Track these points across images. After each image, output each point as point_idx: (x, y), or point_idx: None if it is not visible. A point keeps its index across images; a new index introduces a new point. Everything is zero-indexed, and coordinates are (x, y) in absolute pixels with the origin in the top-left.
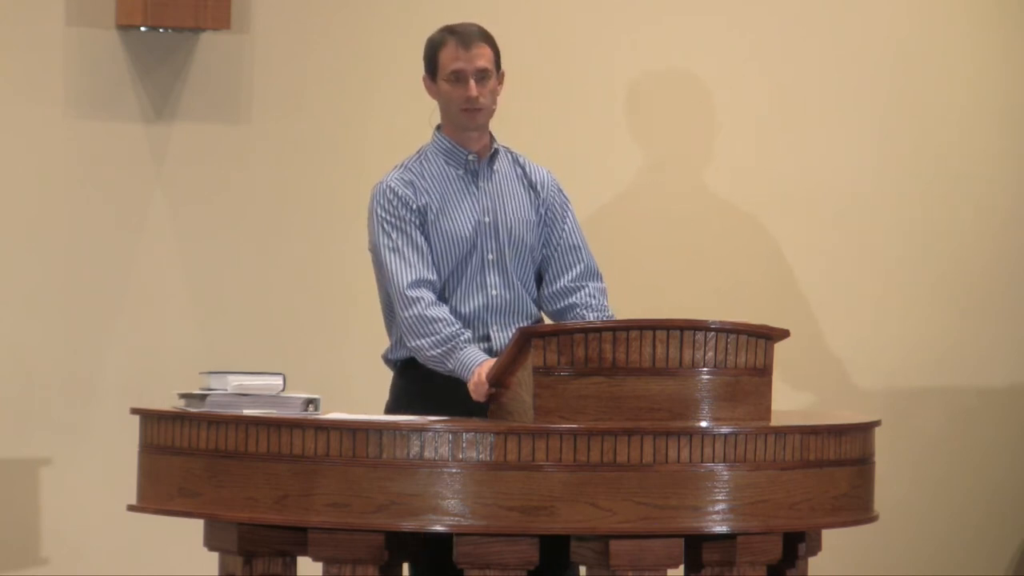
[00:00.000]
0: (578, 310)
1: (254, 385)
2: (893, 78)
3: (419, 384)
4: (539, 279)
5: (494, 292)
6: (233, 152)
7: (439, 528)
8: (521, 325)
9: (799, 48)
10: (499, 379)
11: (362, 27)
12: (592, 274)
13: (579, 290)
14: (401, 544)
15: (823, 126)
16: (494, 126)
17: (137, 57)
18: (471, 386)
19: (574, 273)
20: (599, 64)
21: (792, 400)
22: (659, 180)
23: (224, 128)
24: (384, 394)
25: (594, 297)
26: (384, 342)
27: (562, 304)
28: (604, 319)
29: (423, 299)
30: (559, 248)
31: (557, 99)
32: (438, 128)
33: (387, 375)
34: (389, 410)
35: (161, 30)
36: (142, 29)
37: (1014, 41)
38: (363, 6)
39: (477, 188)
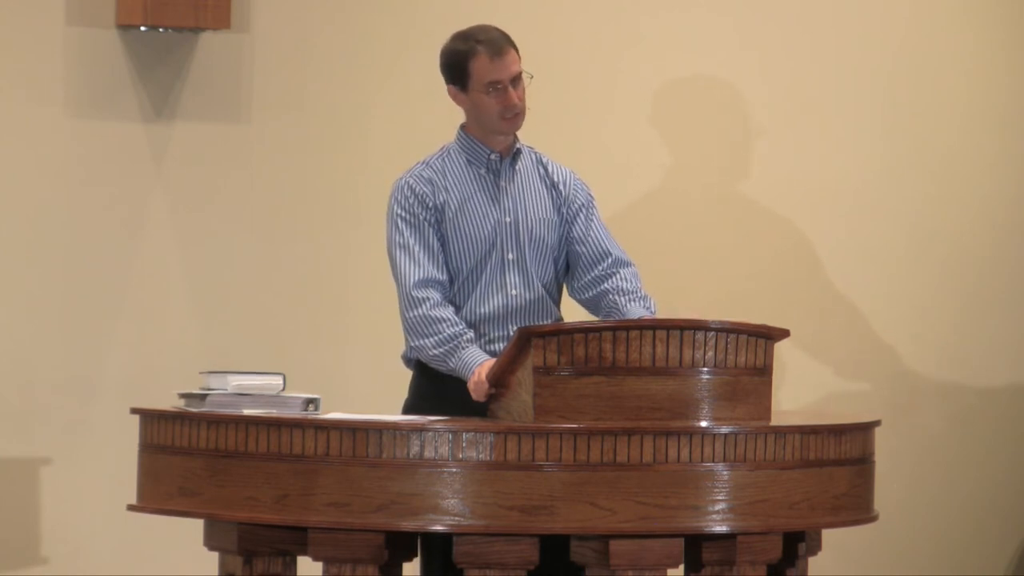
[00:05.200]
0: (611, 296)
1: (254, 385)
2: (895, 79)
3: (438, 384)
4: (570, 274)
5: (514, 292)
6: (233, 152)
7: (439, 528)
8: None
9: (802, 50)
10: (499, 379)
11: (362, 27)
12: (622, 263)
13: (611, 276)
14: (401, 544)
15: (824, 127)
16: (533, 123)
17: (137, 57)
18: (471, 385)
19: (605, 264)
20: (607, 65)
21: (792, 399)
22: (667, 182)
23: (224, 128)
24: (383, 393)
25: (627, 280)
26: (388, 342)
27: (595, 291)
28: (643, 305)
29: (429, 299)
30: (586, 243)
31: (564, 100)
32: (462, 127)
33: (387, 374)
34: (408, 409)
35: (161, 30)
36: (142, 29)
37: (1015, 41)
38: (363, 6)
39: (498, 188)
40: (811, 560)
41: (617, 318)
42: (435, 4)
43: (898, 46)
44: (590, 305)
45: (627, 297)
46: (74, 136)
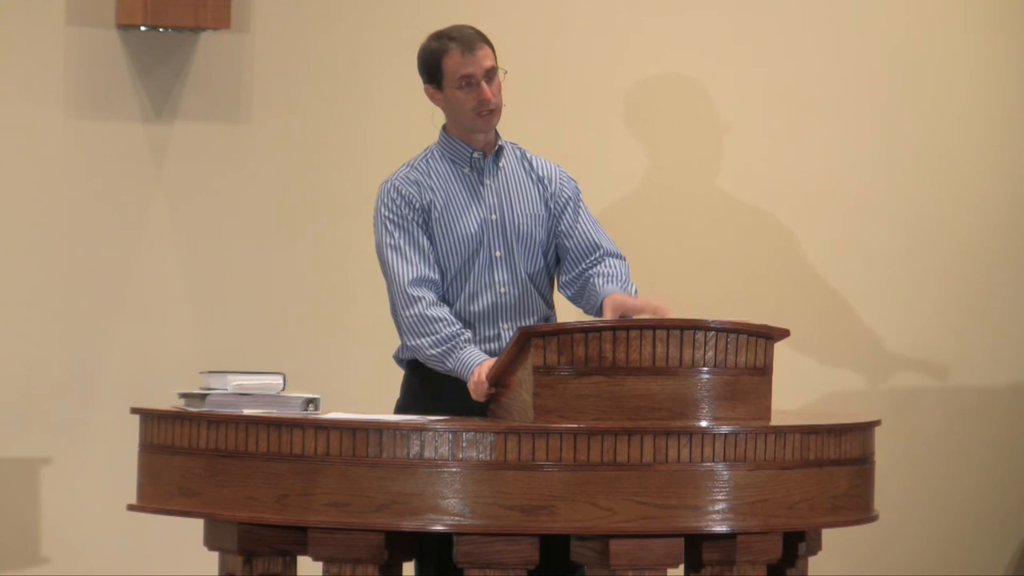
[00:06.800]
0: (594, 279)
1: (254, 385)
2: (894, 78)
3: (430, 384)
4: (559, 269)
5: (503, 289)
6: (233, 152)
7: (439, 528)
8: (532, 322)
9: (800, 49)
10: (499, 378)
11: (362, 26)
12: (611, 255)
13: (598, 264)
14: (401, 544)
15: (824, 127)
16: (500, 127)
17: (137, 57)
18: (471, 385)
19: (594, 257)
20: (603, 66)
21: (792, 399)
22: (663, 181)
23: (224, 128)
24: (383, 393)
25: (613, 267)
26: (388, 341)
27: (580, 282)
28: (621, 286)
29: (424, 298)
30: (573, 236)
31: (562, 101)
32: (443, 128)
33: (387, 374)
34: (399, 410)
35: (161, 30)
36: (142, 29)
37: (1015, 41)
38: (362, 6)
39: (483, 185)
40: (811, 560)
41: (591, 300)
42: (435, 4)
43: (898, 46)
44: (577, 299)
45: (604, 278)
46: (74, 136)
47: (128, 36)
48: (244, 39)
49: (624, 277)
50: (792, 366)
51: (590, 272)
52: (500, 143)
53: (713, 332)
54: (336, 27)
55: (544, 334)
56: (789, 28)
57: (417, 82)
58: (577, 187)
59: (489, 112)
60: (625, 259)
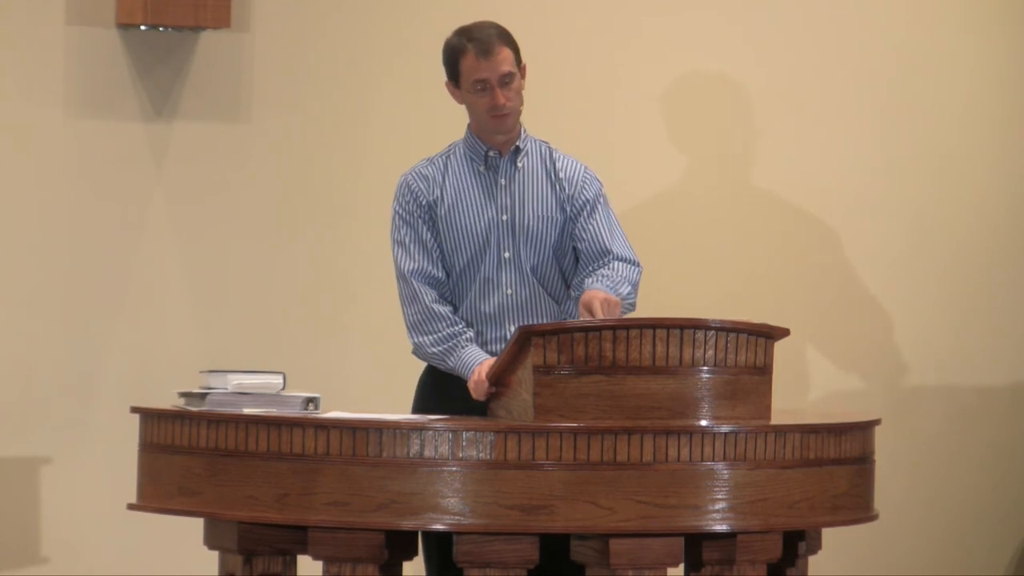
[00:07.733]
0: (589, 280)
1: (254, 384)
2: (894, 78)
3: (440, 381)
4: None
5: (509, 291)
6: (233, 151)
7: (439, 527)
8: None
9: (801, 49)
10: (499, 378)
11: (362, 26)
12: (622, 259)
13: (602, 267)
14: (401, 543)
15: (824, 127)
16: (528, 123)
17: (137, 56)
18: (471, 384)
19: (601, 262)
20: (602, 66)
21: (793, 399)
22: (663, 181)
23: (224, 127)
24: (383, 393)
25: (613, 269)
26: (388, 341)
27: (584, 285)
28: (608, 285)
29: (426, 295)
30: (584, 239)
31: (560, 101)
32: (469, 124)
33: (387, 374)
34: (416, 405)
35: (161, 29)
36: (142, 28)
37: (1015, 41)
38: (363, 5)
39: (497, 185)
40: (811, 559)
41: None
42: (435, 4)
43: (898, 46)
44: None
45: (595, 277)
46: (74, 136)
47: (128, 36)
48: (244, 39)
49: (618, 278)
50: (792, 365)
51: (592, 275)
52: (519, 143)
53: (713, 331)
54: (336, 27)
55: (544, 333)
56: (789, 28)
57: (417, 82)
58: (600, 189)
59: (503, 116)
60: (638, 265)
